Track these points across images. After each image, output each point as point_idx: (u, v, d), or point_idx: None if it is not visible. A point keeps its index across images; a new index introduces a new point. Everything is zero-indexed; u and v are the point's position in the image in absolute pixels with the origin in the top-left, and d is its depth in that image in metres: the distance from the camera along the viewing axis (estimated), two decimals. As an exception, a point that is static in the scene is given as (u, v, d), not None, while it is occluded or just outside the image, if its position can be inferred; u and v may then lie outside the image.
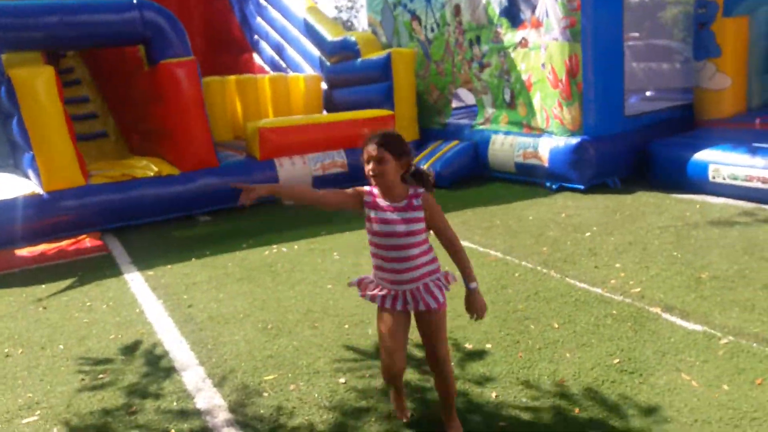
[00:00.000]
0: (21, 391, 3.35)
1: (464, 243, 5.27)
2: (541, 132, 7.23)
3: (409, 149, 2.39)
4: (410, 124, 8.55)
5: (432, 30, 8.61)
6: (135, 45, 7.19)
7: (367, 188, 2.45)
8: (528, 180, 7.40)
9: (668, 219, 5.56)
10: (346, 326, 3.83)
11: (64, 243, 6.03)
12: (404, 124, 8.46)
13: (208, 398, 3.11)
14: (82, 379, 3.43)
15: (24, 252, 5.83)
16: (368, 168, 2.32)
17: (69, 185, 6.36)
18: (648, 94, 10.24)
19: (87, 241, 6.06)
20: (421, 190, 2.39)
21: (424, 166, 7.98)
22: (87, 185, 6.50)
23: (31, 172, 6.53)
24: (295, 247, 5.62)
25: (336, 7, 29.64)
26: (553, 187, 7.03)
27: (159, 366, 3.52)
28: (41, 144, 6.17)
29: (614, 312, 3.71)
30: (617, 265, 4.47)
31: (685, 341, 3.25)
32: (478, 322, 3.68)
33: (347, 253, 5.31)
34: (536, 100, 7.23)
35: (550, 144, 7.00)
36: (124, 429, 2.90)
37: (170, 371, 3.43)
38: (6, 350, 3.88)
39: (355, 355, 3.43)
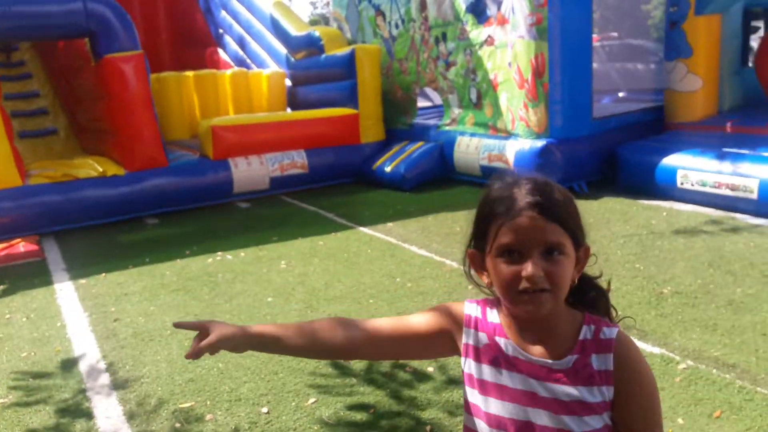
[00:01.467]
0: None
1: (420, 252, 5.02)
2: (507, 134, 6.96)
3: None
4: (375, 123, 8.24)
5: (396, 26, 8.31)
6: (79, 38, 6.79)
7: (469, 306, 1.18)
8: (494, 183, 7.13)
9: (634, 227, 5.32)
10: (279, 345, 3.51)
11: (-5, 247, 5.63)
12: (369, 124, 8.15)
13: (113, 430, 2.78)
14: (-23, 406, 3.07)
15: (-50, 257, 5.42)
16: (509, 272, 1.02)
17: (4, 185, 5.95)
18: (621, 95, 10.05)
19: (21, 246, 5.66)
20: (614, 330, 1.09)
21: (389, 168, 7.76)
22: (24, 186, 6.09)
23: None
24: (242, 254, 5.28)
25: (311, 3, 29.18)
26: (519, 191, 6.76)
27: (67, 389, 3.17)
28: (-29, 142, 5.76)
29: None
30: (576, 277, 4.21)
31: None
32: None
33: (295, 262, 4.98)
34: (502, 101, 6.97)
35: (515, 147, 6.73)
36: (9, 469, 2.56)
37: (79, 397, 3.09)
38: None
39: (283, 381, 3.12)
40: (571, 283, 1.06)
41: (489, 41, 7.00)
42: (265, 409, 2.86)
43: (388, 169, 7.63)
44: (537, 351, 1.08)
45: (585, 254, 1.09)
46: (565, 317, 1.09)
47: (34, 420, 2.90)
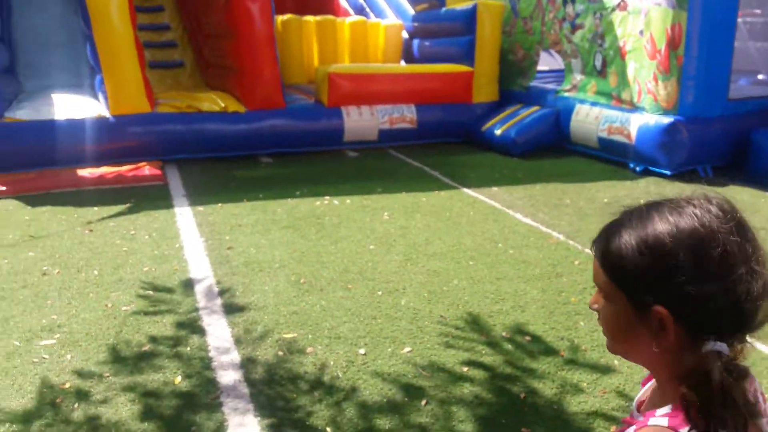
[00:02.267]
0: (47, 311, 3.35)
1: (526, 220, 4.92)
2: (632, 107, 6.59)
3: (685, 282, 0.85)
4: (490, 83, 8.04)
5: (525, -16, 7.97)
6: (214, -25, 7.03)
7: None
8: (611, 158, 6.81)
9: (760, 221, 4.94)
10: (379, 293, 3.60)
11: (124, 168, 6.08)
12: (483, 83, 7.97)
13: (223, 349, 2.98)
14: (106, 307, 3.38)
15: (85, 173, 5.91)
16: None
17: (135, 111, 6.37)
18: (760, 77, 9.20)
19: (146, 169, 6.08)
20: None
21: (499, 131, 7.59)
22: (152, 113, 6.49)
23: (100, 95, 6.59)
24: (347, 201, 5.40)
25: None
26: (637, 169, 6.43)
27: (183, 305, 3.42)
28: (110, 67, 6.17)
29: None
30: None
31: (764, 365, 2.82)
32: (520, 309, 3.38)
33: (398, 215, 5.04)
34: (630, 71, 6.57)
35: (639, 121, 6.37)
36: (132, 364, 2.82)
37: (194, 314, 3.33)
38: (44, 268, 3.91)
39: (381, 326, 3.20)
40: (679, 350, 0.88)
41: (622, 6, 6.57)
42: (362, 351, 2.95)
43: (498, 131, 7.46)
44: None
45: (656, 320, 0.88)
46: (666, 385, 0.93)
47: (153, 329, 3.16)
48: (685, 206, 0.90)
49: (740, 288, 0.84)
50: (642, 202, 1.00)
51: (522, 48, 8.21)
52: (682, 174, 6.17)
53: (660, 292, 0.87)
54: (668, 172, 6.17)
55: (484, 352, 2.95)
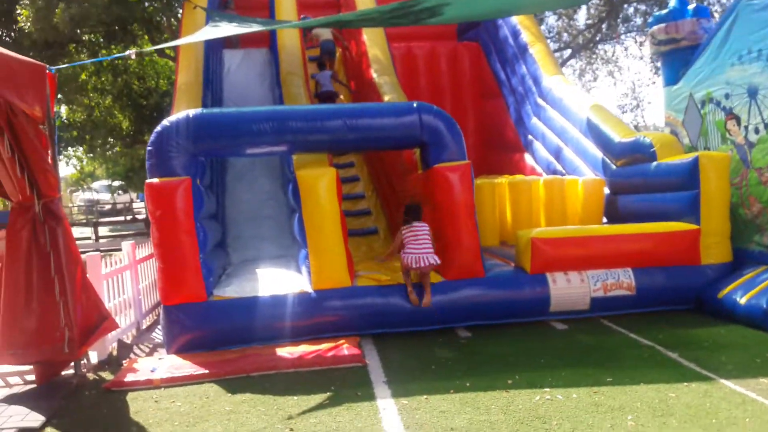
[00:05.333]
0: None
1: None
2: None
3: None
4: (720, 242, 6.90)
5: (757, 131, 7.00)
6: (412, 148, 7.06)
7: None
8: None
9: None
10: None
11: (323, 346, 5.80)
12: (712, 242, 6.86)
13: None
14: None
15: (285, 352, 5.71)
16: None
17: (336, 285, 6.23)
18: None
19: (345, 348, 5.75)
20: None
21: (743, 299, 6.32)
22: (353, 286, 6.31)
23: (303, 269, 6.59)
24: (573, 395, 4.51)
25: (619, 106, 28.00)
26: None
27: None
28: (316, 243, 6.18)
29: None
30: None
31: None
32: None
33: (646, 420, 4.02)
34: None
35: None
36: None
37: None
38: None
39: None
40: None
41: None
42: None
43: (742, 300, 6.21)
44: None
45: None
46: None
47: None
48: None
49: None
50: None
51: (759, 201, 7.05)
52: None
53: None
54: None
55: None
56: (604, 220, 8.68)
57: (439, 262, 6.26)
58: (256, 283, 6.49)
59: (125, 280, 6.98)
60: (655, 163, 7.57)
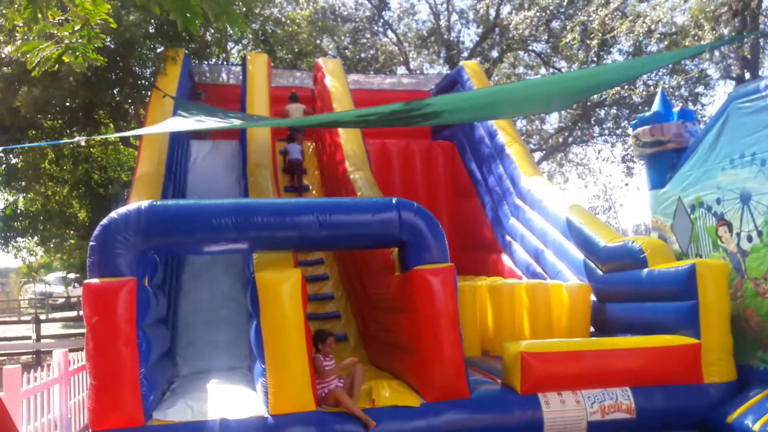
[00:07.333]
0: None
1: None
2: None
3: None
4: (723, 358, 6.30)
5: (750, 239, 6.62)
6: (388, 247, 6.47)
7: None
8: None
9: None
10: None
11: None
12: (714, 358, 6.26)
13: None
14: None
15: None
16: None
17: (298, 409, 5.36)
18: None
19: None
20: None
21: (757, 425, 5.66)
22: (317, 411, 5.44)
23: (259, 386, 5.70)
24: None
25: (591, 208, 28.22)
26: None
27: None
28: (275, 358, 5.35)
29: None
30: None
31: None
32: None
33: None
34: None
35: None
36: None
37: None
38: None
39: None
40: None
41: None
42: None
43: (755, 426, 5.54)
44: None
45: None
46: None
47: None
48: None
49: None
50: None
51: (756, 314, 6.55)
52: None
53: None
54: None
55: None
56: (592, 329, 8.08)
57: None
58: (204, 404, 5.56)
59: (53, 395, 5.98)
60: (646, 270, 7.07)
